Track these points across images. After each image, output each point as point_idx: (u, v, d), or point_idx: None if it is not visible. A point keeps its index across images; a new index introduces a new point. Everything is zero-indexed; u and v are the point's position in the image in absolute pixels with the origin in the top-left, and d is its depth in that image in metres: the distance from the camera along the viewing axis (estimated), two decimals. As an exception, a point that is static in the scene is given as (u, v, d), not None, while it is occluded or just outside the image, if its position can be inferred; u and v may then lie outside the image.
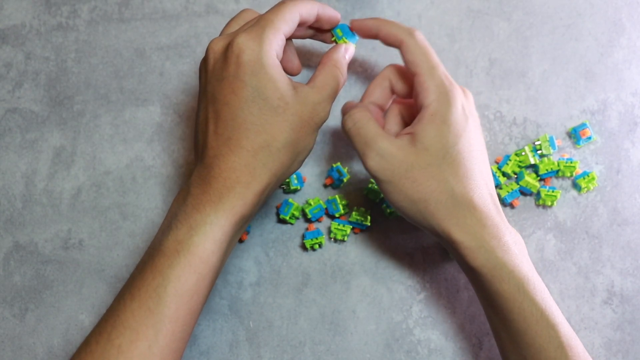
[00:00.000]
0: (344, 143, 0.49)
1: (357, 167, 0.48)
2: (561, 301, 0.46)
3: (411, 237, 0.47)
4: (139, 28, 0.51)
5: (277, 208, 0.48)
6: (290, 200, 0.47)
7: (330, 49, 0.41)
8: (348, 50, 0.42)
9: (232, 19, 0.41)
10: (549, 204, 0.46)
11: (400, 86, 0.43)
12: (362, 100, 0.44)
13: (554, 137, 0.47)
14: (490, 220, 0.38)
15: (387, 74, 0.43)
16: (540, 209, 0.47)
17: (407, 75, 0.42)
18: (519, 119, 0.49)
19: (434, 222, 0.38)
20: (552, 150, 0.47)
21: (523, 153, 0.47)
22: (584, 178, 0.46)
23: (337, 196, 0.47)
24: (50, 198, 0.49)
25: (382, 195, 0.47)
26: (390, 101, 0.44)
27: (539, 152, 0.47)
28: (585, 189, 0.47)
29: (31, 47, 0.51)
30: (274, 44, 0.37)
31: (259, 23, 0.37)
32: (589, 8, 0.50)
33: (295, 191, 0.48)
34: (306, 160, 0.48)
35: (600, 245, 0.47)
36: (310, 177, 0.48)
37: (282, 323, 0.46)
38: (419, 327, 0.46)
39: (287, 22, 0.38)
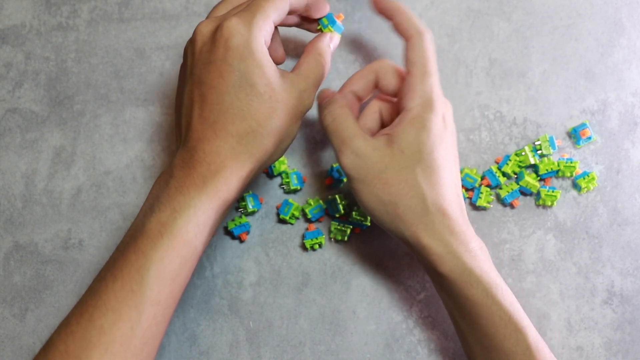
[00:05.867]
0: (344, 143, 0.49)
1: (357, 167, 0.48)
2: (561, 301, 0.46)
3: (411, 237, 0.47)
4: (139, 28, 0.51)
5: (277, 208, 0.48)
6: (290, 200, 0.47)
7: (315, 37, 0.42)
8: (333, 39, 0.42)
9: (220, 2, 0.40)
10: (549, 204, 0.46)
11: (386, 82, 0.42)
12: (343, 88, 0.43)
13: (554, 137, 0.47)
14: (458, 227, 0.38)
15: (376, 68, 0.42)
16: (540, 209, 0.47)
17: (396, 74, 0.42)
18: (519, 119, 0.49)
19: (402, 225, 0.38)
20: (552, 150, 0.47)
21: (523, 153, 0.47)
22: (584, 178, 0.46)
23: (337, 196, 0.47)
24: (50, 198, 0.49)
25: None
26: (370, 95, 0.44)
27: (539, 152, 0.47)
28: (585, 189, 0.47)
29: (31, 47, 0.51)
30: (264, 30, 0.37)
31: (249, 8, 0.37)
32: (589, 8, 0.50)
33: (295, 191, 0.48)
34: (306, 160, 0.48)
35: (600, 245, 0.47)
36: (310, 177, 0.48)
37: (282, 323, 0.46)
38: (419, 327, 0.46)
39: (277, 10, 0.37)
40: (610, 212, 0.47)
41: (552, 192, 0.46)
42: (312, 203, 0.47)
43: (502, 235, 0.47)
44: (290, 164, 0.48)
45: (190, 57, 0.38)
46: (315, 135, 0.49)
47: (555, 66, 0.49)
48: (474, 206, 0.47)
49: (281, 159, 0.48)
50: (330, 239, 0.47)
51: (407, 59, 0.40)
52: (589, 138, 0.47)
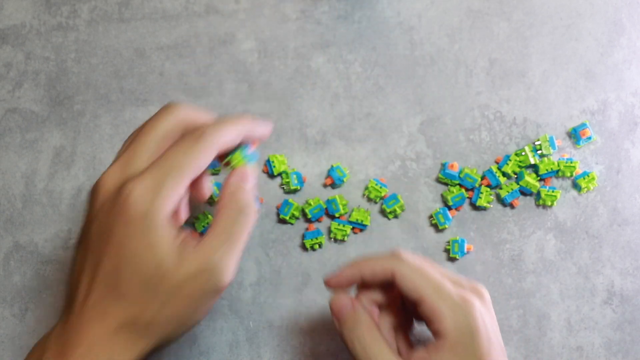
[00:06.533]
0: (343, 143, 0.49)
1: (357, 167, 0.48)
2: (561, 301, 0.46)
3: (411, 237, 0.47)
4: (139, 28, 0.51)
5: (277, 208, 0.48)
6: (290, 200, 0.47)
7: (227, 179, 0.34)
8: (245, 177, 0.34)
9: (139, 134, 0.33)
10: (549, 204, 0.46)
11: (406, 290, 0.35)
12: (360, 292, 0.37)
13: (554, 137, 0.47)
14: None
15: (392, 269, 0.35)
16: (540, 209, 0.47)
17: (416, 282, 0.35)
18: (519, 119, 0.49)
19: None
20: (552, 150, 0.47)
21: (523, 153, 0.47)
22: (584, 178, 0.46)
23: (337, 196, 0.47)
24: (50, 198, 0.49)
25: (382, 194, 0.47)
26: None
27: (539, 152, 0.47)
28: (585, 189, 0.47)
29: (31, 47, 0.51)
30: (173, 196, 0.31)
31: (165, 163, 0.31)
32: (589, 8, 0.50)
33: (295, 191, 0.48)
34: (306, 160, 0.48)
35: (600, 245, 0.47)
36: (310, 177, 0.48)
37: (282, 323, 0.46)
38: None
39: (200, 167, 0.32)
40: (610, 212, 0.47)
41: (552, 192, 0.46)
42: (312, 203, 0.47)
43: (502, 235, 0.47)
44: (290, 164, 0.49)
45: (90, 209, 0.33)
46: (315, 135, 0.49)
47: (555, 66, 0.49)
48: (474, 206, 0.47)
49: (281, 159, 0.48)
50: (330, 239, 0.47)
51: (409, 290, 0.34)
52: (589, 138, 0.47)
